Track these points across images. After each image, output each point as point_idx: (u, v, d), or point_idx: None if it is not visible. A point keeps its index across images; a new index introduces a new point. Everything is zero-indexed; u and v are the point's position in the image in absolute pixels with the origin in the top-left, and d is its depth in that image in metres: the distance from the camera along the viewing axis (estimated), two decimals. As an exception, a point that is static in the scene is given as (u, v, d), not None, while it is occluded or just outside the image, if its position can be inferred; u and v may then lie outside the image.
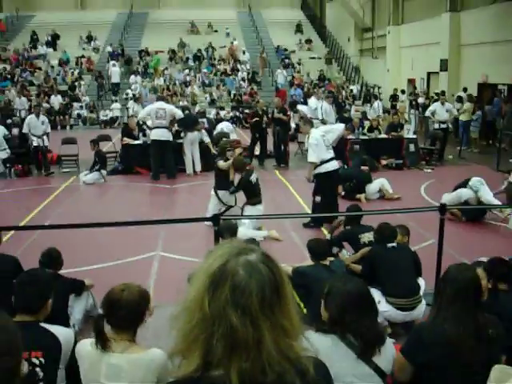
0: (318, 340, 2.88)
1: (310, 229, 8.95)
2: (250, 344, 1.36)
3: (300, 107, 17.58)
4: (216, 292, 1.39)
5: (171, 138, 13.44)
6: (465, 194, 9.39)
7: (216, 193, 9.29)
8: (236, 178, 9.12)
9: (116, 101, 26.15)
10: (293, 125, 17.73)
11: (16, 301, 3.19)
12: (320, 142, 9.06)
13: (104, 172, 13.26)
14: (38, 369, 2.87)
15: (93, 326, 3.00)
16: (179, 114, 13.76)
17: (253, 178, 8.95)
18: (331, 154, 9.22)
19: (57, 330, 3.11)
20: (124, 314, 2.94)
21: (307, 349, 1.50)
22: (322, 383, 1.49)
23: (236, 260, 1.42)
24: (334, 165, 9.26)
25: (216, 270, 1.41)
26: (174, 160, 13.52)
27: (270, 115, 15.63)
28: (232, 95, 27.67)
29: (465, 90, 19.21)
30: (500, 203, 9.54)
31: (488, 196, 9.38)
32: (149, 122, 13.71)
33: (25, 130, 14.04)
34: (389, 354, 2.98)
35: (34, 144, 13.84)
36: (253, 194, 8.91)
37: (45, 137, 13.99)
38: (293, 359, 1.42)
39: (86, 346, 2.95)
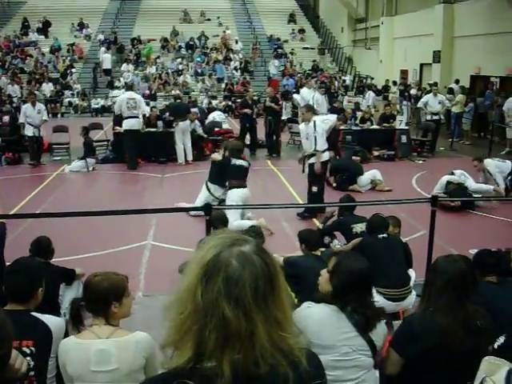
0: (319, 309, 2.99)
1: (301, 219, 8.97)
2: (243, 336, 1.35)
3: (296, 96, 17.56)
4: (209, 283, 1.37)
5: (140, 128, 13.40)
6: (444, 178, 9.82)
7: (207, 185, 9.21)
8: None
9: (118, 87, 25.65)
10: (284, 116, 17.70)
11: (6, 290, 3.17)
12: (323, 131, 9.15)
13: (91, 160, 13.18)
14: (28, 358, 2.86)
15: (70, 309, 3.18)
16: (144, 107, 13.78)
17: (236, 161, 8.80)
18: (326, 144, 9.39)
19: (48, 319, 3.10)
20: (89, 296, 3.05)
21: (300, 340, 1.50)
22: (314, 374, 1.49)
23: (229, 251, 1.41)
24: (327, 155, 9.44)
25: (209, 261, 1.40)
26: (153, 149, 13.79)
27: (261, 105, 15.58)
28: (224, 84, 27.53)
29: (457, 81, 19.21)
30: (488, 185, 10.07)
31: (474, 185, 9.98)
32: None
33: (21, 120, 13.68)
34: (381, 329, 3.09)
35: (30, 134, 13.42)
36: (233, 176, 8.79)
37: (41, 127, 13.55)
38: (286, 351, 1.42)
39: (71, 339, 2.96)
